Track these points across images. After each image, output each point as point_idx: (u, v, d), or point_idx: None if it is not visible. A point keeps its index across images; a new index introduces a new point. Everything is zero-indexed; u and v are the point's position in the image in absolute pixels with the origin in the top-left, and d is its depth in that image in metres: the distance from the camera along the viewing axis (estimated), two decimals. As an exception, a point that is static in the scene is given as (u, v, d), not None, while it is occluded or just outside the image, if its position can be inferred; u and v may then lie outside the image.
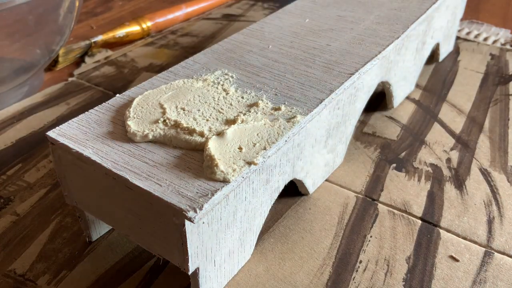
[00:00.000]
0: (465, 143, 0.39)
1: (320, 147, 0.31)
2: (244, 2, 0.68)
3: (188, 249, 0.22)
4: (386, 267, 0.28)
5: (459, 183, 0.35)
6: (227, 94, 0.29)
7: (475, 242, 0.30)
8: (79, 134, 0.25)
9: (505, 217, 0.32)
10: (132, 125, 0.26)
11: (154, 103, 0.28)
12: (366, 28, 0.38)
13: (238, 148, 0.24)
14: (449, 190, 0.34)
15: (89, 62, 0.51)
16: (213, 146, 0.24)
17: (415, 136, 0.40)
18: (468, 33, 0.58)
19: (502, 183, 0.35)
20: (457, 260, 0.29)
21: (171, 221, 0.22)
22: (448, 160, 0.37)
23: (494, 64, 0.51)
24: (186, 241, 0.22)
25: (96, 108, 0.28)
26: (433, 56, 0.50)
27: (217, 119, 0.26)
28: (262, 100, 0.28)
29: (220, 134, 0.25)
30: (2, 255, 0.29)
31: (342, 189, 0.34)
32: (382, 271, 0.28)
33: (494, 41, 0.56)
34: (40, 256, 0.29)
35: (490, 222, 0.31)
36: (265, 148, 0.24)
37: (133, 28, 0.56)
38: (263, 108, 0.28)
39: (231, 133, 0.25)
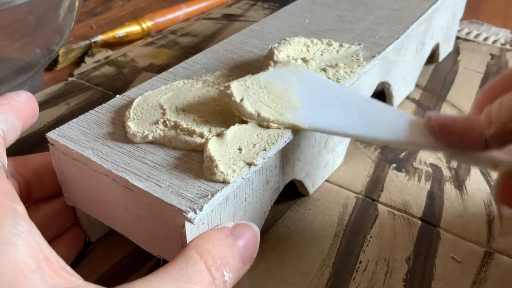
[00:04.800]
0: (465, 143, 0.39)
1: (320, 147, 0.31)
2: (244, 2, 0.68)
3: (188, 250, 0.22)
4: (386, 268, 0.28)
5: (459, 183, 0.35)
6: (227, 94, 0.29)
7: (475, 242, 0.30)
8: (79, 135, 0.25)
9: (505, 217, 0.32)
10: (132, 126, 0.26)
11: (154, 104, 0.28)
12: (366, 29, 0.38)
13: (238, 149, 0.24)
14: (449, 190, 0.34)
15: (89, 62, 0.51)
16: (213, 147, 0.24)
17: (415, 136, 0.40)
18: (468, 33, 0.58)
19: (502, 183, 0.35)
20: (457, 260, 0.29)
21: (171, 222, 0.22)
22: (448, 160, 0.37)
23: (494, 64, 0.51)
24: (186, 242, 0.22)
25: (96, 109, 0.28)
26: (433, 56, 0.50)
27: (217, 119, 0.26)
28: (262, 100, 0.28)
29: (220, 135, 0.25)
30: (2, 255, 0.29)
31: (342, 190, 0.34)
32: (382, 271, 0.28)
33: (494, 41, 0.56)
34: (40, 257, 0.29)
35: (490, 222, 0.31)
36: (265, 149, 0.24)
37: (133, 28, 0.56)
38: (263, 109, 0.28)
39: (231, 134, 0.25)
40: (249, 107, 0.25)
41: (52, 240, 0.27)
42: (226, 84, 0.26)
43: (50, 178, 0.27)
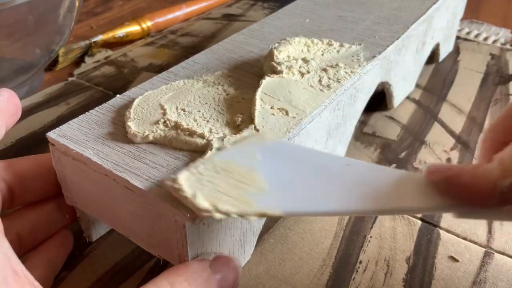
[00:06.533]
0: (465, 143, 0.39)
1: (320, 147, 0.31)
2: (244, 2, 0.68)
3: (188, 250, 0.22)
4: (386, 268, 0.28)
5: (459, 183, 0.35)
6: (227, 94, 0.29)
7: (475, 242, 0.30)
8: (79, 135, 0.25)
9: (505, 218, 0.32)
10: (133, 126, 0.26)
11: (155, 104, 0.28)
12: (366, 28, 0.38)
13: (238, 149, 0.24)
14: (449, 190, 0.34)
15: (89, 62, 0.51)
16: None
17: (415, 136, 0.40)
18: (468, 33, 0.58)
19: (502, 183, 0.35)
20: (457, 260, 0.29)
21: (172, 222, 0.22)
22: (448, 160, 0.37)
23: (494, 64, 0.51)
24: (186, 242, 0.22)
25: (96, 108, 0.28)
26: (433, 56, 0.50)
27: (217, 120, 0.26)
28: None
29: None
30: (2, 255, 0.29)
31: (342, 190, 0.34)
32: (382, 271, 0.28)
33: (494, 41, 0.56)
34: (41, 257, 0.29)
35: (490, 222, 0.31)
36: (265, 149, 0.24)
37: (133, 28, 0.56)
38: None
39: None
40: (202, 201, 0.20)
41: (39, 244, 0.27)
42: (173, 177, 0.21)
43: (34, 183, 0.26)
